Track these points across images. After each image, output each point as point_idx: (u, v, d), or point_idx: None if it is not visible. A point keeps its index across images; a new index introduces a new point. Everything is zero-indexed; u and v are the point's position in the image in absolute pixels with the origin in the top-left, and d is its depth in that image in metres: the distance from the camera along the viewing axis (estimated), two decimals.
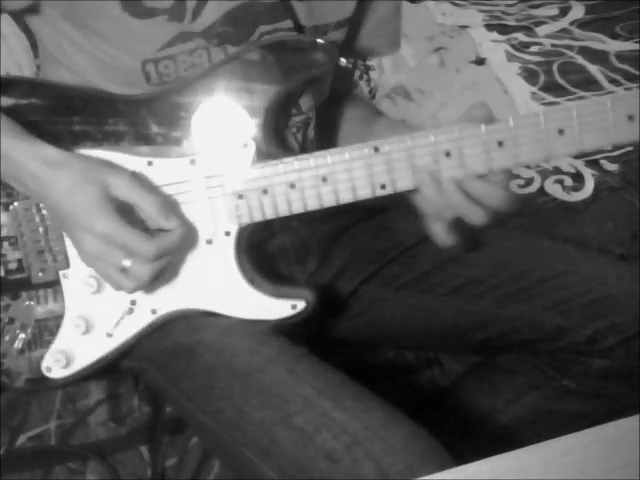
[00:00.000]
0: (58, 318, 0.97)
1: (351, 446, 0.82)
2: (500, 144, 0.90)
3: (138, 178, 0.90)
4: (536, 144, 0.90)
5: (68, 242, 0.95)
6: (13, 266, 0.97)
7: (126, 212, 0.88)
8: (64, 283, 0.97)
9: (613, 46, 2.49)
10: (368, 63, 2.40)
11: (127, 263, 0.86)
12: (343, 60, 0.97)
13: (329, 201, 0.93)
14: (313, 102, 1.02)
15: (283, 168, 0.92)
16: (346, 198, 0.93)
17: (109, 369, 1.01)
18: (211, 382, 0.93)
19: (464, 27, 2.61)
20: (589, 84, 2.31)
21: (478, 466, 0.68)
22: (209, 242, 0.95)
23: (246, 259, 0.96)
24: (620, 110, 0.88)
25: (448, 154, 0.90)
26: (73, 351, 0.97)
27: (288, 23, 0.96)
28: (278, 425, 0.86)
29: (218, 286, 0.96)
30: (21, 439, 1.15)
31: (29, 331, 0.98)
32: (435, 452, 0.83)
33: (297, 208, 0.93)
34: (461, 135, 0.90)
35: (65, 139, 0.92)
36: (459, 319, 1.11)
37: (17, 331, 0.98)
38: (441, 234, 0.94)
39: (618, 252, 1.73)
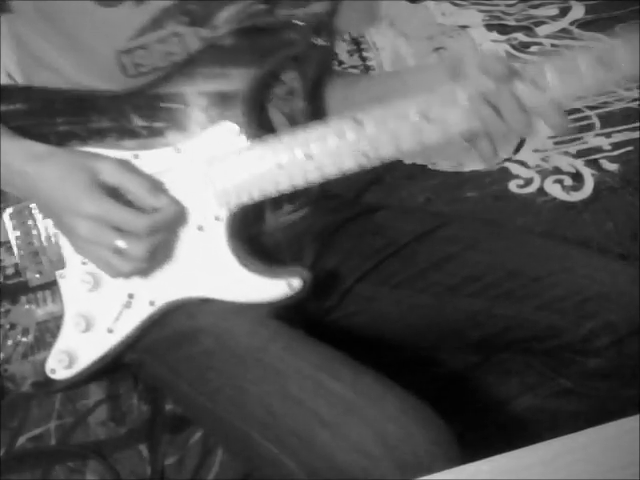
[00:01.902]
0: (58, 319, 0.97)
1: (347, 413, 0.83)
2: (475, 98, 0.90)
3: (125, 163, 0.92)
4: None
5: (62, 242, 0.96)
6: (10, 271, 0.97)
7: (116, 198, 0.89)
8: (61, 283, 0.97)
9: None
10: (368, 63, 2.40)
11: (121, 242, 0.87)
12: (318, 39, 0.97)
13: (315, 177, 0.93)
14: (297, 72, 1.02)
15: (267, 148, 0.93)
16: (331, 172, 0.93)
17: (113, 366, 1.01)
18: (210, 364, 0.94)
19: (464, 27, 2.61)
20: None
21: (478, 466, 0.68)
22: (200, 229, 0.95)
23: (239, 243, 0.96)
24: (592, 59, 0.88)
25: (427, 117, 0.91)
26: (75, 350, 0.97)
27: None
28: (274, 397, 0.88)
29: (213, 272, 0.96)
30: (21, 440, 1.15)
31: (31, 335, 0.98)
32: (431, 419, 0.84)
33: (284, 187, 0.93)
34: (437, 95, 0.91)
35: (51, 140, 0.93)
36: (456, 318, 1.11)
37: (19, 336, 0.98)
38: (488, 149, 0.93)
39: (618, 252, 1.74)
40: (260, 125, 0.96)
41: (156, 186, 0.91)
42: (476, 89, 0.90)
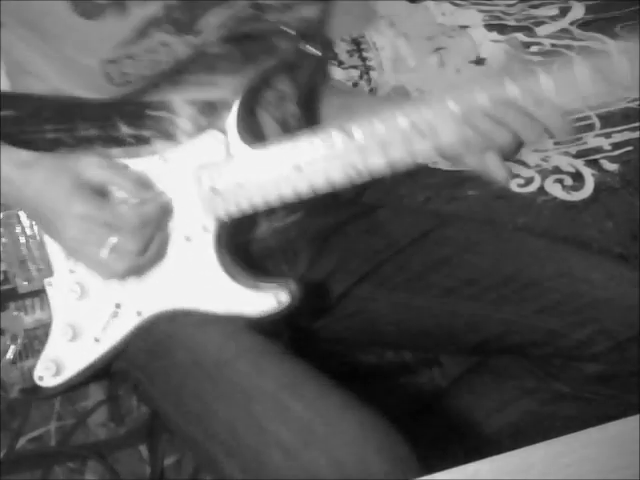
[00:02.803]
0: (46, 326, 0.97)
1: (306, 437, 0.82)
2: (467, 111, 0.87)
3: (108, 159, 0.91)
4: None
5: (50, 250, 0.96)
6: None
7: (103, 194, 0.89)
8: (49, 291, 0.97)
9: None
10: (368, 63, 2.40)
11: (113, 239, 0.86)
12: (308, 46, 0.96)
13: (304, 190, 0.92)
14: (288, 78, 1.01)
15: (255, 159, 0.91)
16: (320, 185, 0.91)
17: (102, 374, 1.00)
18: (182, 380, 0.94)
19: (464, 27, 2.61)
20: None
21: (478, 466, 0.68)
22: (188, 239, 0.94)
23: (227, 254, 0.96)
24: (583, 68, 0.85)
25: (420, 132, 0.88)
26: (63, 359, 0.97)
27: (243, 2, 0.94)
28: (239, 419, 0.87)
29: (201, 284, 0.95)
30: (21, 441, 1.15)
31: (19, 342, 0.98)
32: (391, 443, 0.82)
33: (273, 200, 0.92)
34: (429, 108, 0.88)
35: (39, 148, 0.92)
36: (453, 321, 1.10)
37: (7, 343, 0.98)
38: (497, 167, 0.91)
39: (618, 252, 1.73)
40: (251, 132, 0.94)
41: (141, 178, 0.91)
42: (471, 103, 0.87)
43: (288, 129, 1.01)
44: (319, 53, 0.99)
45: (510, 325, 1.07)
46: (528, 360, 1.12)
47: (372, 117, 0.89)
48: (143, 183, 0.91)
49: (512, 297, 1.07)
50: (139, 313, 0.96)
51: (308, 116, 1.08)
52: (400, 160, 0.90)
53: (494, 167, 0.91)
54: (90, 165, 0.89)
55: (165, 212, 0.92)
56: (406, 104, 0.89)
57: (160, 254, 0.94)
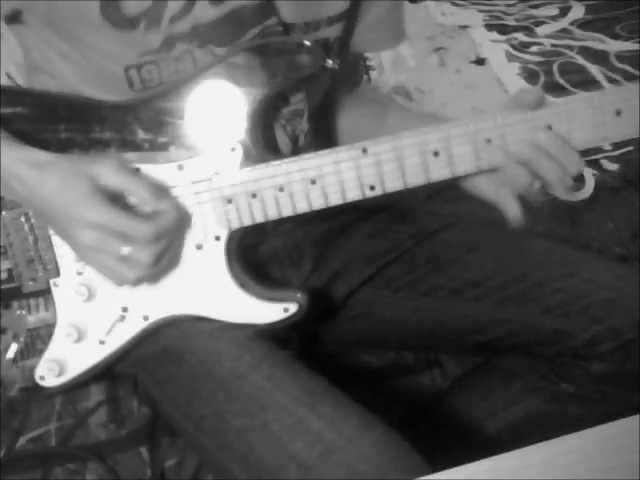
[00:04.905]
0: (50, 327, 0.97)
1: (324, 455, 0.82)
2: (488, 141, 0.89)
3: (126, 165, 0.90)
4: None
5: (57, 251, 0.95)
6: (3, 276, 0.97)
7: (118, 202, 0.88)
8: (55, 292, 0.97)
9: (613, 46, 2.48)
10: (368, 63, 2.40)
11: (127, 249, 0.85)
12: (330, 61, 0.96)
13: (318, 203, 0.92)
14: (304, 94, 1.01)
15: (271, 171, 0.91)
16: (335, 200, 0.92)
17: (104, 375, 1.00)
18: (195, 389, 0.94)
19: (464, 27, 2.61)
20: (589, 84, 2.31)
21: (478, 466, 0.68)
22: (199, 247, 0.94)
23: (237, 263, 0.96)
24: (608, 106, 0.87)
25: (436, 154, 0.89)
26: (66, 359, 0.97)
27: (274, 20, 0.94)
28: (255, 433, 0.87)
29: (210, 291, 0.95)
30: (21, 441, 1.15)
31: (22, 340, 0.97)
32: (408, 458, 0.83)
33: (286, 211, 0.92)
34: (449, 134, 0.89)
35: (52, 147, 0.91)
36: (458, 322, 1.10)
37: (10, 341, 0.98)
38: (513, 208, 0.94)
39: (618, 252, 1.73)
40: (266, 145, 0.94)
41: (159, 188, 0.90)
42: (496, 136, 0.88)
43: (298, 145, 1.02)
44: (337, 67, 0.99)
45: (516, 325, 1.08)
46: (534, 360, 1.12)
47: (392, 136, 0.90)
48: (160, 192, 0.89)
49: (518, 298, 1.07)
50: (146, 318, 0.96)
51: (322, 132, 1.08)
52: (415, 181, 0.91)
53: (507, 204, 0.93)
54: (108, 171, 0.87)
55: (180, 223, 0.91)
56: (430, 127, 0.90)
57: (173, 262, 0.93)
